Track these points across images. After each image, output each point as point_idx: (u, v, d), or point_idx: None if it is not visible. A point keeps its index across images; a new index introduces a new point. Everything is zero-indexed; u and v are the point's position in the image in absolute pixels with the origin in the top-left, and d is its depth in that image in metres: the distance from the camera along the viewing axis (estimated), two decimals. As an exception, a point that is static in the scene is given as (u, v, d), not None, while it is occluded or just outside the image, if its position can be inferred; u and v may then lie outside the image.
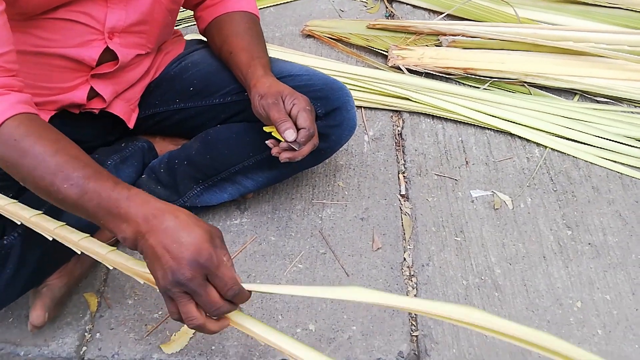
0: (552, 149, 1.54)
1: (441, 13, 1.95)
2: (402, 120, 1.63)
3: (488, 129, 1.60)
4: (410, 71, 1.73)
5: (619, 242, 1.32)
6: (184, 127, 1.32)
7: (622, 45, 1.72)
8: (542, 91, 1.70)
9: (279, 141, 1.08)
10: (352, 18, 1.99)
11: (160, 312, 1.19)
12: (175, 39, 1.33)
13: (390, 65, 1.76)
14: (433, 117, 1.63)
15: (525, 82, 1.70)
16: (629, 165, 1.49)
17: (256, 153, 1.24)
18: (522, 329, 0.68)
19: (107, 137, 1.29)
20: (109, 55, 1.09)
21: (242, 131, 1.25)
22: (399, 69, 1.74)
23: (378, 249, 1.31)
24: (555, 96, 1.68)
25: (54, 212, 0.93)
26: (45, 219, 0.93)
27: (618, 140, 1.54)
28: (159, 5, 1.11)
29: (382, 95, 1.65)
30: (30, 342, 1.15)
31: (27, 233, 0.99)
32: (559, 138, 1.56)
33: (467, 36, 1.80)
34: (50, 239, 0.91)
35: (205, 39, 1.31)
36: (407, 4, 2.03)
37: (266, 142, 1.12)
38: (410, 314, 1.19)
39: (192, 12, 1.31)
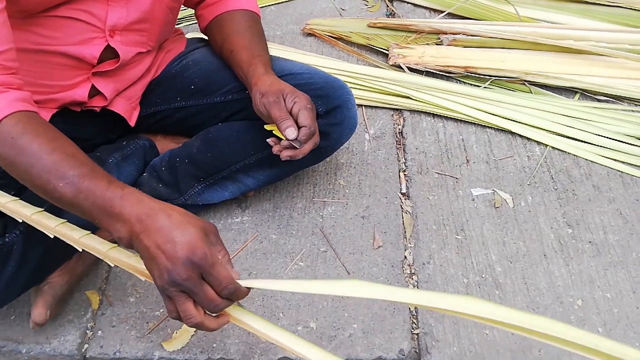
0: (552, 147, 1.54)
1: (442, 12, 1.95)
2: (403, 118, 1.63)
3: (489, 127, 1.60)
4: (411, 70, 1.73)
5: (620, 241, 1.33)
6: (185, 126, 1.32)
7: (622, 43, 1.72)
8: (542, 90, 1.70)
9: (280, 139, 1.08)
10: (353, 16, 1.99)
11: (161, 310, 1.19)
12: (177, 37, 1.33)
13: (391, 63, 1.76)
14: (434, 115, 1.63)
15: (526, 81, 1.70)
16: (630, 164, 1.50)
17: (257, 151, 1.24)
18: (524, 316, 0.68)
19: (109, 135, 1.30)
20: (110, 53, 1.09)
21: (243, 129, 1.25)
22: (400, 67, 1.74)
23: (379, 247, 1.31)
24: (556, 95, 1.69)
25: (56, 210, 0.93)
26: (47, 216, 0.93)
27: (618, 139, 1.55)
28: (160, 3, 1.11)
29: (382, 93, 1.65)
30: (32, 339, 1.16)
31: (28, 231, 0.99)
32: (560, 136, 1.56)
33: (467, 35, 1.80)
34: (52, 236, 0.91)
35: (206, 38, 1.31)
36: (408, 2, 2.03)
37: (267, 140, 1.12)
38: (411, 311, 1.20)
39: (193, 11, 1.31)
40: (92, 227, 0.93)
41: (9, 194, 0.96)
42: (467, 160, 1.51)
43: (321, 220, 1.37)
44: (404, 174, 1.48)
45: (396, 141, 1.57)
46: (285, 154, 1.08)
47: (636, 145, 1.53)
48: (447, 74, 1.72)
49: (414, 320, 1.19)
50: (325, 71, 1.26)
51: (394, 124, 1.61)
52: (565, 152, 1.53)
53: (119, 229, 0.80)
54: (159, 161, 1.30)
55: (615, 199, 1.42)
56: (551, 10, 1.91)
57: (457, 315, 0.72)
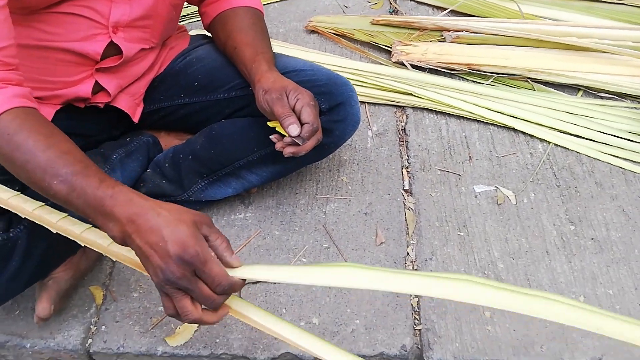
0: (555, 144, 1.54)
1: (445, 9, 1.95)
2: (406, 115, 1.63)
3: (491, 124, 1.60)
4: (414, 67, 1.73)
5: (622, 237, 1.33)
6: (188, 122, 1.33)
7: (625, 41, 1.72)
8: (545, 87, 1.70)
9: (283, 136, 1.09)
10: (356, 14, 1.99)
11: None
12: (180, 34, 1.34)
13: (394, 60, 1.76)
14: (436, 112, 1.63)
15: (529, 78, 1.70)
16: (632, 161, 1.49)
17: (260, 148, 1.25)
18: (519, 291, 0.68)
19: (112, 132, 1.30)
20: (113, 49, 1.09)
21: (247, 126, 1.25)
22: (403, 64, 1.74)
23: (381, 243, 1.32)
24: (559, 92, 1.69)
25: (58, 204, 0.93)
26: (49, 211, 0.93)
27: (621, 136, 1.54)
28: (163, 0, 1.11)
29: (385, 90, 1.65)
30: (36, 334, 1.16)
31: (32, 226, 0.99)
32: (563, 133, 1.56)
33: (470, 32, 1.80)
34: (54, 232, 0.92)
35: (209, 35, 1.32)
36: (411, -1, 2.04)
37: (270, 137, 1.12)
38: (413, 307, 1.20)
39: (197, 8, 1.31)
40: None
41: (13, 189, 0.96)
42: (470, 157, 1.51)
43: (324, 216, 1.37)
44: (407, 171, 1.49)
45: (399, 138, 1.57)
46: (288, 151, 1.08)
47: (639, 143, 1.53)
48: (450, 71, 1.72)
49: (416, 317, 1.19)
50: (329, 68, 1.27)
51: (396, 121, 1.62)
52: (568, 149, 1.53)
53: (111, 228, 0.80)
54: (162, 157, 1.31)
55: (618, 195, 1.42)
56: (554, 8, 1.91)
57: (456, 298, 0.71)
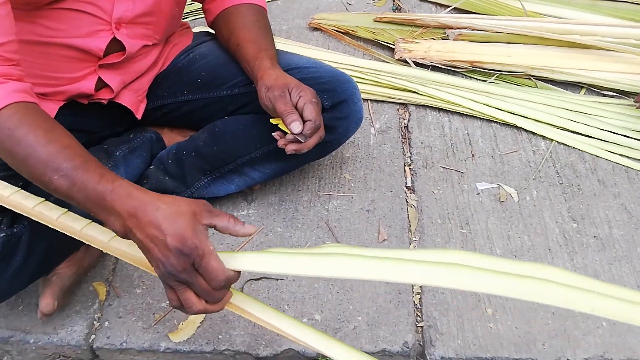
0: (558, 142, 1.54)
1: (448, 6, 1.96)
2: (409, 113, 1.63)
3: (494, 122, 1.60)
4: (417, 64, 1.73)
5: (625, 235, 1.33)
6: (191, 119, 1.33)
7: (628, 39, 1.71)
8: (548, 84, 1.70)
9: (286, 133, 1.09)
10: (359, 11, 1.99)
11: (168, 302, 1.20)
12: (183, 31, 1.34)
13: (396, 58, 1.76)
14: (439, 110, 1.63)
15: (532, 76, 1.70)
16: (635, 159, 1.49)
17: (263, 145, 1.25)
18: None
19: (116, 128, 1.30)
20: (116, 45, 1.09)
21: (249, 123, 1.26)
22: (406, 62, 1.74)
23: (384, 240, 1.32)
24: (562, 89, 1.68)
25: (61, 200, 0.94)
26: (49, 208, 0.93)
27: (624, 134, 1.54)
28: (166, -3, 1.12)
29: (388, 88, 1.66)
30: (39, 330, 1.17)
31: (35, 222, 1.00)
32: (565, 131, 1.56)
33: (473, 29, 1.80)
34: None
35: (213, 31, 1.32)
36: (414, -3, 2.04)
37: (273, 134, 1.12)
38: (415, 304, 1.20)
39: (200, 5, 1.31)
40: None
41: (17, 185, 0.97)
42: (473, 154, 1.51)
43: (326, 213, 1.37)
44: (409, 168, 1.49)
45: (402, 135, 1.57)
46: (291, 148, 1.08)
47: (642, 140, 1.54)
48: (453, 69, 1.72)
49: (418, 313, 1.19)
50: (332, 65, 1.27)
51: (399, 118, 1.62)
52: (571, 146, 1.53)
53: (113, 222, 0.81)
54: (165, 154, 1.31)
55: (621, 193, 1.42)
56: (557, 5, 1.91)
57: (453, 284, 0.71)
